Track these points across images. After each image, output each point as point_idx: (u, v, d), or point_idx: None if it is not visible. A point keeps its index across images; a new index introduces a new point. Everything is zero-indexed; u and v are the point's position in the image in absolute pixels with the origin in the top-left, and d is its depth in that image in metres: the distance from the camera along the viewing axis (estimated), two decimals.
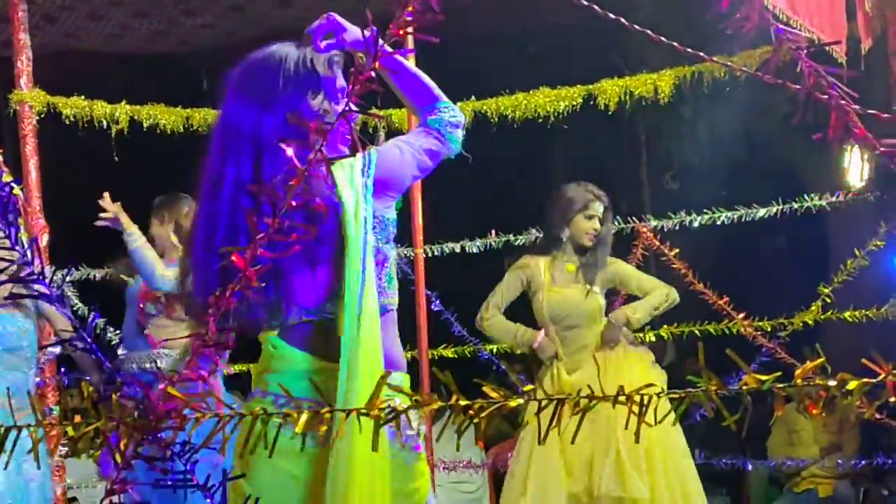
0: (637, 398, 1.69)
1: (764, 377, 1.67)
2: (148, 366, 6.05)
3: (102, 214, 6.10)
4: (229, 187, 2.99)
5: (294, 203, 1.90)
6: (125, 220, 6.11)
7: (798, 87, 1.91)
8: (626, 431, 5.79)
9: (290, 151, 2.03)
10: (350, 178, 2.97)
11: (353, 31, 3.16)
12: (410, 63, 3.30)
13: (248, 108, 3.03)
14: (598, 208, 6.19)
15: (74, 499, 8.36)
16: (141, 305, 6.29)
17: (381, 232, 3.10)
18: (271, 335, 3.07)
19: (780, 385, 1.68)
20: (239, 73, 3.12)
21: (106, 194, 6.13)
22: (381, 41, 1.92)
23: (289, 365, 3.03)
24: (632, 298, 6.46)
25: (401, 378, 3.13)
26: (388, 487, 2.94)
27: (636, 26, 2.28)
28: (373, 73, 1.87)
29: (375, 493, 2.89)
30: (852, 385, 1.66)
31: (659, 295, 6.16)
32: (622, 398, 1.69)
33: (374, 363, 2.88)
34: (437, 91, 3.33)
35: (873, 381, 1.65)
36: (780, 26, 1.93)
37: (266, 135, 2.99)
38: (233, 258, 1.91)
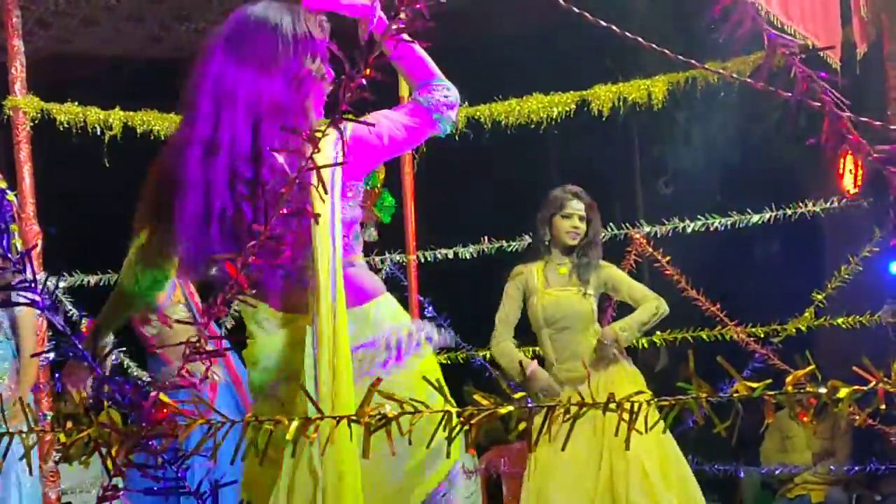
0: (627, 405, 1.69)
1: (755, 384, 1.67)
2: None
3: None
4: (225, 155, 2.97)
5: (285, 210, 1.90)
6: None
7: (789, 94, 1.91)
8: (643, 444, 5.84)
9: (280, 159, 2.02)
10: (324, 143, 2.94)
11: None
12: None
13: (243, 73, 3.01)
14: (575, 206, 6.17)
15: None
16: (141, 333, 6.28)
17: (353, 198, 3.15)
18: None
19: (771, 392, 1.68)
20: (229, 35, 3.08)
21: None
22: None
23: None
24: (623, 305, 6.46)
25: (388, 300, 3.26)
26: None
27: (627, 33, 2.29)
28: (364, 81, 1.86)
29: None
30: (843, 392, 1.66)
31: (648, 308, 6.12)
32: (612, 405, 1.69)
33: (341, 321, 2.96)
34: (434, 68, 3.30)
35: (864, 388, 1.65)
36: (773, 31, 1.93)
37: (265, 101, 2.98)
38: (226, 267, 1.90)
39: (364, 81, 1.87)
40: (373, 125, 3.08)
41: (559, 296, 6.12)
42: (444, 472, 3.20)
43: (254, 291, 2.99)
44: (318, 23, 3.14)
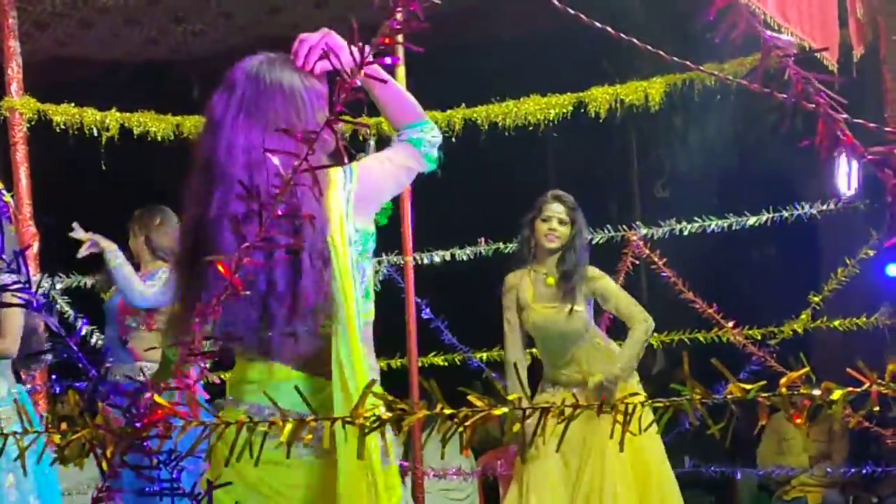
0: (621, 407, 1.69)
1: (749, 386, 1.67)
2: (133, 378, 6.06)
3: (82, 244, 6.19)
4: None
5: (280, 213, 1.90)
6: (103, 242, 6.20)
7: (785, 96, 1.91)
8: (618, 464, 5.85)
9: (276, 161, 2.02)
10: (335, 192, 2.99)
11: (348, 54, 3.18)
12: (395, 80, 3.31)
13: (270, 140, 2.96)
14: (555, 209, 6.08)
15: None
16: (121, 319, 6.33)
17: (360, 246, 3.15)
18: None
19: (765, 394, 1.68)
20: (245, 101, 3.07)
21: (75, 224, 6.23)
22: (368, 52, 1.92)
23: (270, 377, 3.06)
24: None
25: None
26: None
27: (622, 35, 2.29)
28: (359, 82, 1.86)
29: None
30: (836, 394, 1.66)
31: (639, 336, 6.00)
32: (606, 407, 1.69)
33: (363, 376, 2.94)
34: (420, 109, 3.36)
35: (857, 389, 1.65)
36: (769, 33, 1.93)
37: (291, 163, 2.99)
38: (218, 266, 1.90)
39: (358, 83, 1.87)
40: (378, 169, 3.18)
41: (547, 314, 6.07)
42: None
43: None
44: (322, 76, 3.19)
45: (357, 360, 2.98)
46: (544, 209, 6.08)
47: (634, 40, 2.26)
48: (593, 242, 7.02)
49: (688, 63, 2.34)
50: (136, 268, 6.39)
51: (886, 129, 1.98)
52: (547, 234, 6.06)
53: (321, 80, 3.18)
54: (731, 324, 7.06)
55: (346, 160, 3.03)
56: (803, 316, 7.09)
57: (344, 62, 3.09)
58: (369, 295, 3.22)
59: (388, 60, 2.20)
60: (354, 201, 3.10)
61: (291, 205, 2.10)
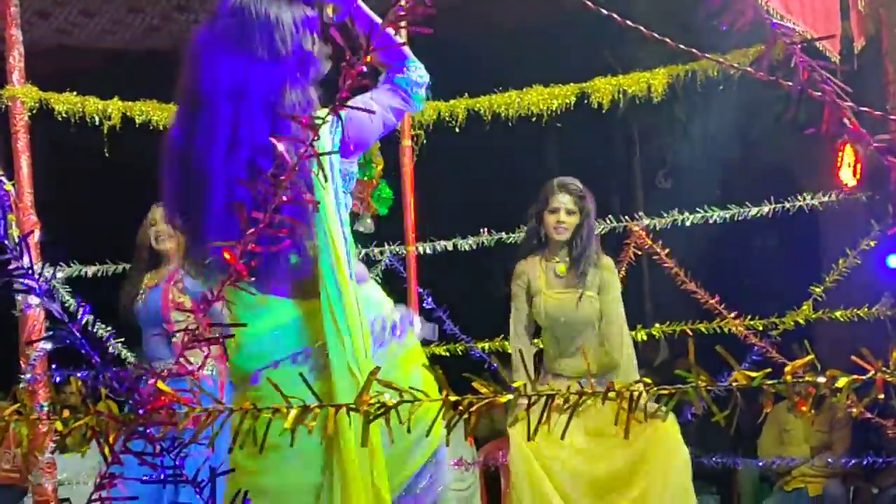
0: (626, 393, 1.69)
1: (754, 374, 1.67)
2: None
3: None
4: (246, 150, 3.05)
5: (285, 199, 1.90)
6: None
7: (790, 84, 1.90)
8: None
9: (280, 147, 2.02)
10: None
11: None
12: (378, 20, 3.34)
13: (255, 68, 3.08)
14: (561, 199, 6.01)
15: (67, 499, 8.33)
16: (166, 316, 6.27)
17: (344, 184, 3.23)
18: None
19: (770, 382, 1.68)
20: (229, 31, 3.14)
21: None
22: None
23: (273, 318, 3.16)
24: (632, 293, 6.36)
25: (373, 287, 3.39)
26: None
27: (629, 22, 2.28)
28: (365, 68, 1.86)
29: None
30: (841, 382, 1.66)
31: (610, 359, 6.06)
32: (612, 394, 1.69)
33: (351, 308, 3.09)
34: (406, 49, 3.41)
35: (862, 377, 1.65)
36: (775, 20, 1.93)
37: (277, 91, 3.06)
38: (224, 254, 1.90)
39: (364, 69, 1.87)
40: (373, 112, 3.15)
41: (561, 299, 6.02)
42: (426, 456, 3.28)
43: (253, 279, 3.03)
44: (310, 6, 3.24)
45: (344, 287, 3.08)
46: (551, 200, 6.01)
47: (641, 27, 2.26)
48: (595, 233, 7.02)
49: (693, 50, 2.34)
50: (150, 257, 6.42)
51: (892, 116, 1.97)
52: (556, 227, 6.01)
53: (312, 8, 3.23)
54: (732, 314, 7.05)
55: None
56: (805, 307, 7.08)
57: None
58: (348, 226, 3.28)
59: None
60: (341, 145, 3.15)
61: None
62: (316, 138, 2.01)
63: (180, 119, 3.19)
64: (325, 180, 3.00)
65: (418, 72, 3.38)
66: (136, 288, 6.45)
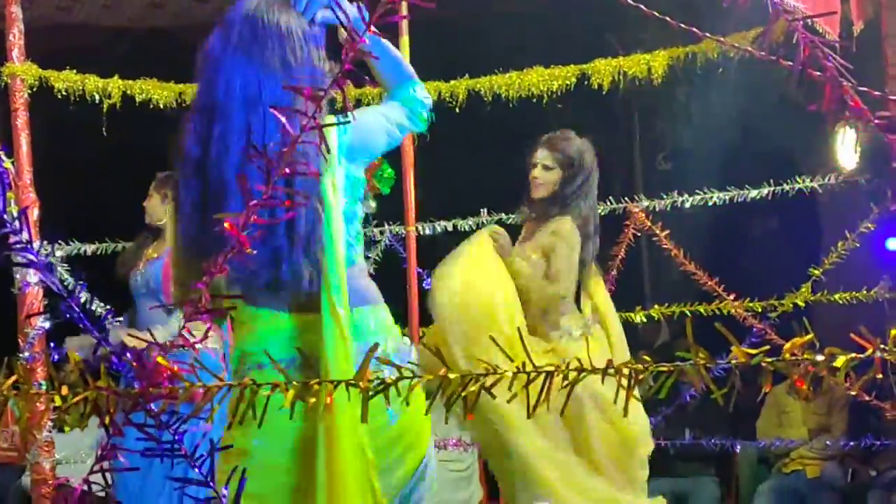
0: (626, 371, 1.69)
1: (753, 351, 1.67)
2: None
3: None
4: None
5: (287, 171, 1.90)
6: None
7: (790, 63, 1.90)
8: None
9: (283, 119, 2.02)
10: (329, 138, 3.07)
11: (351, 10, 3.22)
12: (398, 48, 3.41)
13: (268, 79, 3.12)
14: (540, 154, 5.77)
15: (66, 480, 8.33)
16: (166, 288, 6.25)
17: (351, 192, 3.25)
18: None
19: (769, 360, 1.68)
20: (242, 40, 3.17)
21: None
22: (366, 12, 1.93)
23: (269, 326, 3.19)
24: (626, 280, 6.28)
25: (383, 311, 3.37)
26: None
27: (630, 1, 2.28)
28: (366, 41, 1.86)
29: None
30: (840, 361, 1.66)
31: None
32: (611, 371, 1.69)
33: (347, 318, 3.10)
34: (411, 70, 3.47)
35: (861, 355, 1.65)
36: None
37: (288, 103, 3.05)
38: (225, 225, 1.90)
39: (366, 41, 1.87)
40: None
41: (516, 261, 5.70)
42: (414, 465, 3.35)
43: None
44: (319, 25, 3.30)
45: (345, 301, 3.10)
46: (532, 155, 5.82)
47: (642, 6, 2.26)
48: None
49: (694, 29, 2.34)
50: (153, 231, 6.43)
51: (892, 97, 1.97)
52: (531, 182, 5.79)
53: (319, 27, 3.27)
54: (731, 296, 7.06)
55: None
56: (804, 289, 7.08)
57: (344, 15, 3.17)
58: (359, 236, 3.35)
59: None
60: (348, 150, 3.20)
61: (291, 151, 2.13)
62: (320, 111, 2.01)
63: (195, 129, 3.20)
64: (328, 152, 3.02)
65: (423, 92, 3.45)
66: (137, 258, 6.47)
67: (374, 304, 3.35)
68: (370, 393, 1.84)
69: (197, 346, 2.01)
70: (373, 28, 3.00)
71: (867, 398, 6.12)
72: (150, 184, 6.50)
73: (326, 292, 3.07)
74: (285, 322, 3.21)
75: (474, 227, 7.50)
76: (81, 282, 6.98)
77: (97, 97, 6.90)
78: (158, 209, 6.45)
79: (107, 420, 1.87)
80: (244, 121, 3.09)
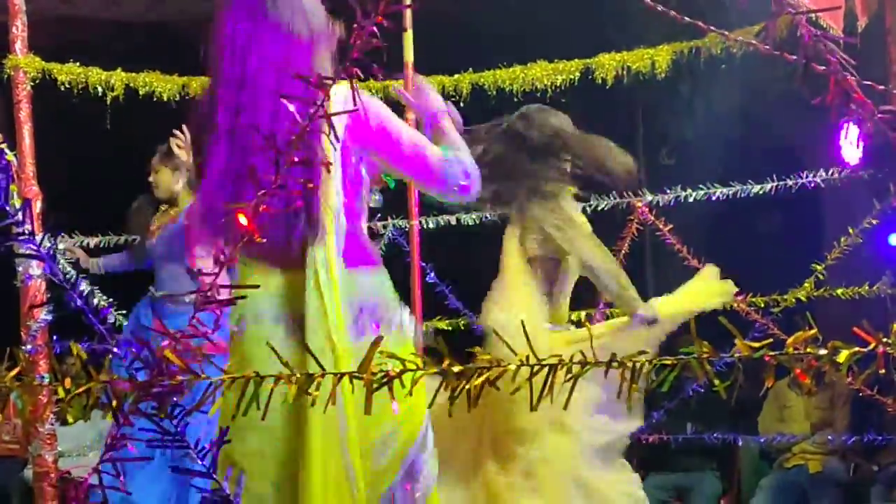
0: (629, 364, 1.69)
1: (756, 344, 1.67)
2: None
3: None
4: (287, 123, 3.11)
5: (296, 158, 1.90)
6: None
7: (794, 58, 1.90)
8: None
9: (291, 107, 2.03)
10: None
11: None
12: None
13: (299, 48, 3.19)
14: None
15: (68, 472, 8.34)
16: (191, 250, 6.24)
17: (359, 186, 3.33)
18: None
19: (772, 353, 1.68)
20: (256, 5, 3.23)
21: None
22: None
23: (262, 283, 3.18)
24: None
25: (383, 274, 3.38)
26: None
27: None
28: (375, 28, 1.86)
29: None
30: (843, 355, 1.66)
31: None
32: (615, 364, 1.69)
33: (335, 284, 3.14)
34: (461, 141, 3.51)
35: (864, 349, 1.65)
36: None
37: (299, 66, 3.14)
38: (238, 215, 1.91)
39: (375, 28, 1.86)
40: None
41: None
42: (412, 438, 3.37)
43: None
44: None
45: (332, 266, 3.13)
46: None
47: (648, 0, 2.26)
48: (598, 209, 7.01)
49: (699, 23, 2.34)
50: (158, 202, 6.47)
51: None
52: None
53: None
54: (734, 291, 7.05)
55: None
56: (806, 284, 7.08)
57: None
58: (363, 204, 3.38)
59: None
60: (364, 132, 3.23)
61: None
62: (327, 99, 2.02)
63: (223, 98, 3.22)
64: (337, 140, 3.04)
65: (470, 161, 3.39)
66: (148, 220, 6.52)
67: (378, 266, 3.39)
68: (374, 385, 1.84)
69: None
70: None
71: (870, 393, 6.13)
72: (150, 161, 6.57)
73: (320, 250, 3.12)
74: (277, 279, 3.22)
75: (477, 222, 7.49)
76: (83, 275, 6.99)
77: (100, 90, 6.90)
78: (169, 181, 6.50)
79: (115, 409, 1.87)
80: (274, 87, 3.12)
